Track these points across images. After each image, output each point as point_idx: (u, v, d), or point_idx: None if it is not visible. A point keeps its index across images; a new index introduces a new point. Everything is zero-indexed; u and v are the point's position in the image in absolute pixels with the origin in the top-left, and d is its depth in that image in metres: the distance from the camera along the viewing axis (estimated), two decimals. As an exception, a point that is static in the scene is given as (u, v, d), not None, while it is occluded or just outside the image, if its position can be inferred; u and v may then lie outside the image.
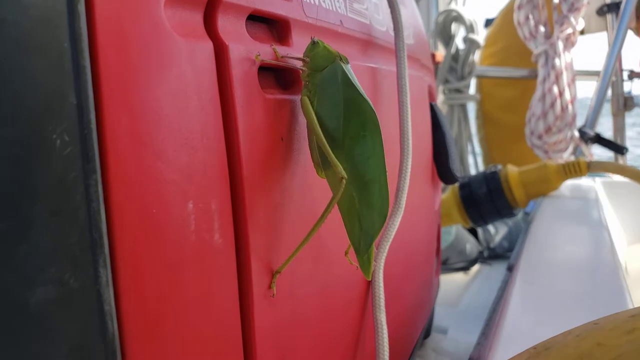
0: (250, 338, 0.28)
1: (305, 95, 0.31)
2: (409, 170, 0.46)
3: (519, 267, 0.68)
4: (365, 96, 0.32)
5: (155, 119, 0.23)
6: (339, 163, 0.30)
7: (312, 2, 0.36)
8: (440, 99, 1.68)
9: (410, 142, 0.46)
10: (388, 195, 0.32)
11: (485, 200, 1.11)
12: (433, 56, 1.63)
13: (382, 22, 0.50)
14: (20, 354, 0.19)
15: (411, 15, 0.63)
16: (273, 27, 0.33)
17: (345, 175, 0.30)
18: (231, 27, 0.28)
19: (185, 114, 0.24)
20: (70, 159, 0.20)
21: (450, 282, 1.31)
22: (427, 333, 0.82)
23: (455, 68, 1.56)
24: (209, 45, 0.26)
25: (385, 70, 0.49)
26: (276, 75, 0.33)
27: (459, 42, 1.56)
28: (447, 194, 1.15)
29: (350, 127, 0.31)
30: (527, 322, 0.52)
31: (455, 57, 1.56)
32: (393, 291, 0.50)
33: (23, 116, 0.19)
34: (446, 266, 1.35)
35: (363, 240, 0.32)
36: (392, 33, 0.50)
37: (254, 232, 0.28)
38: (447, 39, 1.56)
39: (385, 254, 0.44)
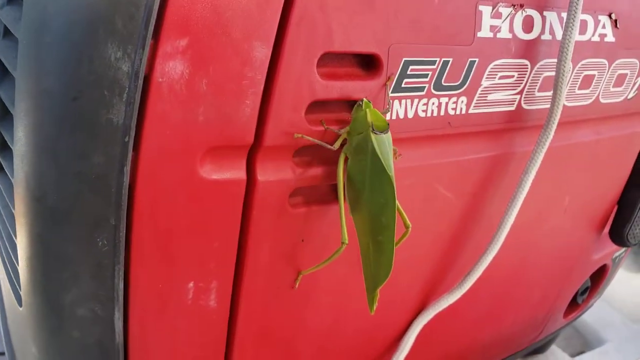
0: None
1: (344, 152, 0.36)
2: (489, 260, 0.46)
3: None
4: (390, 170, 0.35)
5: (174, 236, 0.33)
6: (344, 230, 0.36)
7: (405, 117, 0.37)
8: None
9: (502, 237, 0.45)
10: (392, 259, 0.37)
11: None
12: None
13: (544, 99, 0.45)
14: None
15: None
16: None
17: (347, 242, 0.36)
18: (272, 164, 0.34)
19: (202, 233, 0.33)
20: (107, 254, 0.32)
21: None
22: (540, 348, 0.81)
23: None
24: (241, 181, 0.33)
25: (522, 151, 0.46)
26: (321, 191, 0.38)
27: None
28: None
29: (372, 193, 0.36)
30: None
31: None
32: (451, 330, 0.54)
33: (82, 233, 0.31)
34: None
35: (371, 285, 0.39)
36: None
37: (249, 308, 0.38)
38: None
39: (428, 317, 0.48)
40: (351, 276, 0.42)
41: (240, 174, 0.33)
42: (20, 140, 0.31)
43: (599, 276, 0.72)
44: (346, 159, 0.36)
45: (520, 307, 0.62)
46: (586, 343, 1.02)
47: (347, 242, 0.36)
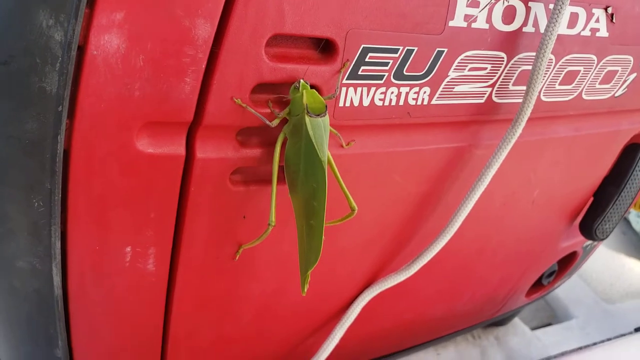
0: (168, 320, 0.41)
1: (283, 132, 0.35)
2: (437, 249, 0.46)
3: None
4: (322, 155, 0.34)
5: (110, 203, 0.33)
6: (273, 213, 0.36)
7: (360, 105, 0.36)
8: None
9: (453, 230, 0.45)
10: (321, 244, 0.37)
11: None
12: None
13: (518, 93, 0.43)
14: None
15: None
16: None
17: (274, 224, 0.36)
18: (214, 142, 0.34)
19: (138, 202, 0.34)
20: (43, 214, 0.33)
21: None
22: (501, 321, 0.83)
23: None
24: (179, 157, 0.33)
25: (488, 144, 0.45)
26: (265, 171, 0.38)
27: None
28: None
29: (306, 177, 0.36)
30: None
31: None
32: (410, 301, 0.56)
33: (17, 196, 0.32)
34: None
35: (303, 268, 0.40)
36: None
37: (188, 274, 0.39)
38: None
39: (373, 293, 0.49)
40: (294, 249, 0.42)
41: (179, 149, 0.33)
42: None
43: (567, 262, 0.73)
44: (285, 141, 0.36)
45: (478, 286, 0.63)
46: (553, 316, 1.04)
47: (274, 224, 0.36)
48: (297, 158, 0.35)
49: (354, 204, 0.39)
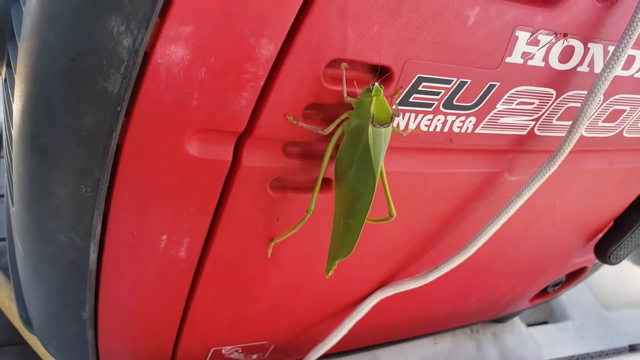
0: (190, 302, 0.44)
1: (342, 127, 0.35)
2: (455, 264, 0.48)
3: None
4: (377, 165, 0.35)
5: (153, 197, 0.35)
6: (313, 201, 0.37)
7: (405, 129, 0.37)
8: None
9: (473, 249, 0.47)
10: (356, 242, 0.38)
11: None
12: None
13: (561, 128, 0.43)
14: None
15: None
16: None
17: (312, 211, 0.37)
18: (261, 151, 0.35)
19: (180, 199, 0.35)
20: (89, 199, 0.34)
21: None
22: (500, 319, 0.85)
23: None
24: (226, 162, 0.34)
25: (522, 172, 0.45)
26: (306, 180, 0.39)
27: None
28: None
29: (355, 179, 0.36)
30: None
31: None
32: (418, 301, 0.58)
33: (66, 180, 0.33)
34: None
35: (332, 256, 0.41)
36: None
37: (216, 263, 0.40)
38: None
39: (385, 294, 0.51)
40: (320, 250, 0.44)
41: (227, 156, 0.34)
42: (22, 72, 0.31)
43: (575, 275, 0.74)
44: (342, 136, 0.36)
45: (486, 293, 0.65)
46: (551, 315, 1.07)
47: (312, 211, 0.37)
48: (351, 159, 0.35)
49: (394, 210, 0.39)
